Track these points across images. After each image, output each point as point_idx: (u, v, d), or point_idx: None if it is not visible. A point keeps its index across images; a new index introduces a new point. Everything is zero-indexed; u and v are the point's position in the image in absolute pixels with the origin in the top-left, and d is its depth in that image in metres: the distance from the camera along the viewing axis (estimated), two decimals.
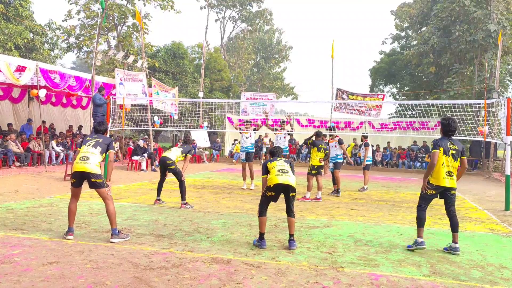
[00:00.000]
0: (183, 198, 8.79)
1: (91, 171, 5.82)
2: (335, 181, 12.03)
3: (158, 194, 9.13)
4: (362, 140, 13.64)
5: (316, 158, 10.68)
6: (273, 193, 5.94)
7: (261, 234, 5.89)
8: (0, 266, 4.59)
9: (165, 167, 8.94)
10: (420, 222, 6.20)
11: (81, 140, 6.09)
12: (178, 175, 8.88)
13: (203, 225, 7.05)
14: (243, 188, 12.43)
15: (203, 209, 8.69)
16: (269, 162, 6.15)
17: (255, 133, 13.20)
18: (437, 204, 10.68)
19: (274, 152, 6.45)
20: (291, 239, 5.88)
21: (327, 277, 4.64)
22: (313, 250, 5.75)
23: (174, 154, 9.04)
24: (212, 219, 7.65)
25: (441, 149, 6.17)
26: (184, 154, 9.19)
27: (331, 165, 12.22)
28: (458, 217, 6.42)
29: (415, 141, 25.22)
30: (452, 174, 6.13)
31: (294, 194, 6.00)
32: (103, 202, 6.01)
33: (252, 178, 12.58)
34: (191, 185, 12.72)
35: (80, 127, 21.34)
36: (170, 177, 9.25)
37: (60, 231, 6.22)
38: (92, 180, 5.83)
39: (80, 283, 4.16)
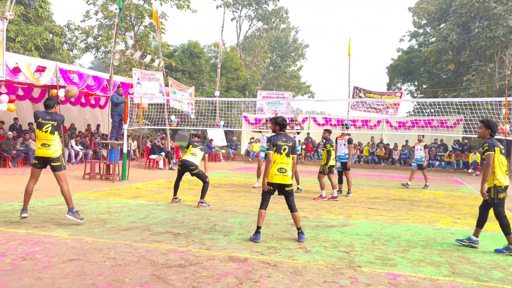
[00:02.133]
0: (202, 196, 8.83)
1: (51, 156, 6.43)
2: (340, 180, 11.72)
3: (175, 193, 9.19)
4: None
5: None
6: (271, 188, 6.21)
7: (257, 228, 6.05)
8: (21, 263, 4.68)
9: (187, 171, 8.92)
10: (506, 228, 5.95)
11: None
12: (202, 177, 8.88)
13: (220, 224, 7.08)
14: (254, 187, 12.45)
15: (220, 207, 8.72)
16: (275, 146, 6.16)
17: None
18: (457, 204, 10.56)
19: (283, 125, 6.38)
20: (299, 232, 6.16)
21: (344, 277, 4.62)
22: (330, 249, 5.72)
23: (198, 158, 9.02)
24: (229, 217, 7.68)
25: (497, 149, 6.02)
26: (203, 154, 9.23)
27: (338, 164, 11.68)
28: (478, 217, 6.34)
29: (435, 139, 24.89)
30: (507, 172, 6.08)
31: (290, 189, 6.22)
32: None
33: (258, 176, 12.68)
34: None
35: (98, 126, 21.62)
36: (186, 175, 9.29)
37: (79, 228, 6.32)
38: (52, 164, 6.45)
39: (99, 280, 4.22)
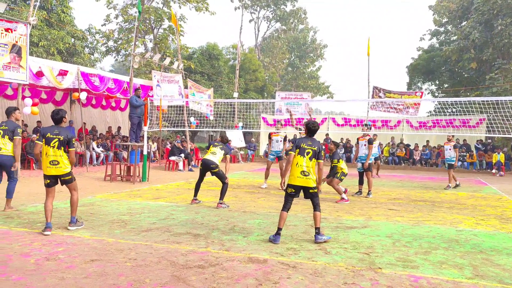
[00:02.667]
0: (221, 197, 8.86)
1: (62, 173, 6.27)
2: (361, 181, 11.67)
3: (195, 194, 9.24)
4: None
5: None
6: (293, 190, 6.25)
7: (278, 229, 6.10)
8: (45, 263, 4.77)
9: (208, 170, 8.95)
10: None
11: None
12: (222, 178, 8.91)
13: (239, 225, 7.09)
14: (262, 188, 12.50)
15: (239, 208, 8.74)
16: (299, 148, 6.22)
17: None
18: (480, 205, 10.35)
19: (312, 130, 6.44)
20: (316, 233, 6.12)
21: (364, 278, 4.57)
22: (350, 250, 5.68)
23: (218, 157, 9.03)
24: (248, 218, 7.69)
25: None
26: (224, 155, 9.24)
27: (359, 164, 11.65)
28: (502, 218, 6.21)
29: (457, 139, 24.45)
30: None
31: (314, 191, 6.23)
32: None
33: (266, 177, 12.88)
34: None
35: (119, 128, 21.90)
36: (207, 176, 9.34)
37: (101, 229, 6.41)
38: (62, 178, 6.31)
39: (120, 281, 4.27)
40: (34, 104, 13.65)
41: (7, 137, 7.66)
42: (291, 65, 51.44)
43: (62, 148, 6.19)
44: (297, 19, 47.61)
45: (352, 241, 6.20)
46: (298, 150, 6.22)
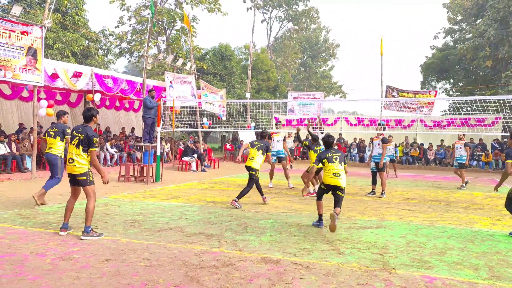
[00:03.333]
0: (239, 196, 8.92)
1: (76, 173, 6.11)
2: (374, 181, 11.57)
3: (261, 193, 9.41)
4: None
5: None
6: (325, 188, 7.22)
7: (319, 216, 7.18)
8: (60, 262, 4.83)
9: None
10: None
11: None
12: (250, 181, 9.12)
13: (252, 225, 7.10)
14: (269, 187, 12.53)
15: (252, 209, 8.74)
16: (326, 159, 7.14)
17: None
18: (496, 205, 10.21)
19: (329, 143, 7.48)
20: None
21: (378, 279, 4.54)
22: (363, 251, 5.64)
23: (258, 160, 9.19)
24: (260, 218, 7.69)
25: None
26: (264, 153, 9.35)
27: (372, 164, 11.51)
28: None
29: (471, 139, 24.16)
30: None
31: (341, 193, 7.09)
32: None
33: (287, 177, 12.70)
34: (240, 185, 12.84)
35: (132, 129, 22.08)
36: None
37: (115, 229, 6.47)
38: (77, 178, 6.12)
39: (134, 280, 4.31)
40: (49, 106, 13.85)
41: (58, 138, 8.36)
42: (303, 65, 51.34)
43: (81, 147, 6.02)
44: (309, 18, 47.48)
45: (366, 241, 6.17)
46: (325, 160, 7.13)
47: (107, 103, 21.13)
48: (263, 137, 9.82)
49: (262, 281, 4.36)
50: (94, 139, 6.05)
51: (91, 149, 6.07)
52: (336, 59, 51.93)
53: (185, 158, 17.65)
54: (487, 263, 5.25)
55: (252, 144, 9.39)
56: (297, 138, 11.84)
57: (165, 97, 17.57)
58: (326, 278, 4.53)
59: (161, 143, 14.52)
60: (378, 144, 11.37)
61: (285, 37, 47.63)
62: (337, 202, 7.00)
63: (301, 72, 51.29)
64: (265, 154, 9.41)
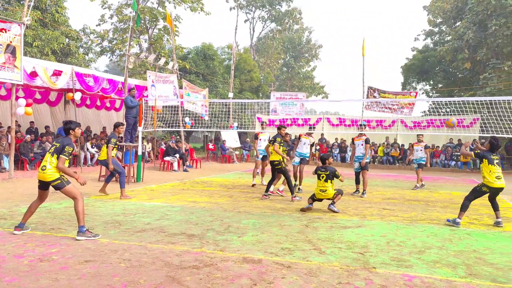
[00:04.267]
0: (291, 192, 10.09)
1: (47, 180, 5.98)
2: (357, 180, 11.68)
3: (267, 190, 10.31)
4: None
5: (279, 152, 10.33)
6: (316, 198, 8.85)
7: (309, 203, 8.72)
8: (39, 264, 4.75)
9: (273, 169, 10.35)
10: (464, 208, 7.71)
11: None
12: (284, 173, 10.21)
13: (234, 225, 7.10)
14: (252, 185, 12.85)
15: (234, 208, 8.74)
16: (318, 171, 8.82)
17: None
18: (473, 204, 10.40)
19: (323, 159, 8.98)
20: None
21: (359, 278, 4.59)
22: (344, 250, 5.69)
23: (276, 151, 10.04)
24: (242, 218, 7.69)
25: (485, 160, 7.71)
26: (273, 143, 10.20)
27: (356, 164, 11.64)
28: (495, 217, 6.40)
29: (451, 139, 24.59)
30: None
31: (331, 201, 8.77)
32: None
33: (262, 175, 13.41)
34: (222, 185, 12.82)
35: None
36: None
37: (95, 230, 6.38)
38: (52, 184, 5.99)
39: (115, 281, 4.26)
40: (27, 105, 13.60)
41: (105, 145, 10.04)
42: (286, 65, 51.53)
43: (56, 155, 5.99)
44: (292, 19, 47.69)
45: (347, 240, 6.22)
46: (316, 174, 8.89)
47: (88, 102, 20.86)
48: (324, 161, 9.35)
49: (244, 281, 4.37)
50: (67, 147, 5.99)
51: (61, 155, 5.96)
52: (318, 59, 52.30)
53: (167, 158, 17.54)
54: (465, 261, 5.35)
55: (318, 176, 9.08)
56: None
57: (147, 96, 17.43)
58: (307, 277, 4.55)
59: (142, 143, 14.40)
60: (362, 145, 11.52)
61: (268, 37, 47.75)
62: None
63: (284, 72, 51.47)
64: (273, 144, 10.22)
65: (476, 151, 7.94)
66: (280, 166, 10.05)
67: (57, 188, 5.97)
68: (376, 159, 24.50)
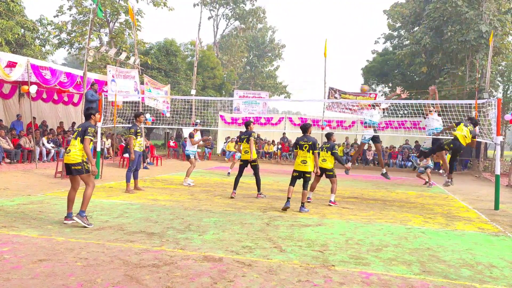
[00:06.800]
0: (258, 189, 10.37)
1: (70, 162, 6.46)
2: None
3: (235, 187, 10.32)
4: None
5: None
6: (295, 174, 8.69)
7: (288, 198, 8.65)
8: None
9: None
10: None
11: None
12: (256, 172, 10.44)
13: (195, 223, 7.04)
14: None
15: (195, 207, 8.67)
16: (300, 142, 8.69)
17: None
18: (428, 203, 10.79)
19: (303, 128, 8.86)
20: (301, 206, 8.62)
21: (318, 276, 4.66)
22: (304, 248, 5.76)
23: (252, 151, 10.12)
24: (203, 217, 7.65)
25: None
26: (249, 141, 10.25)
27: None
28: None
29: (407, 140, 25.35)
30: None
31: (309, 175, 8.60)
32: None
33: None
34: (183, 183, 12.69)
35: (73, 124, 21.18)
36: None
37: (50, 228, 6.18)
38: (72, 168, 6.48)
39: (70, 281, 4.14)
40: None
41: (133, 136, 10.40)
42: (249, 64, 51.60)
43: (79, 138, 6.47)
44: (256, 18, 47.75)
45: (307, 239, 6.30)
46: (298, 146, 8.70)
47: (44, 95, 20.12)
48: (306, 130, 8.97)
49: (204, 280, 4.34)
50: (89, 128, 6.48)
51: (85, 136, 6.43)
52: (281, 59, 52.68)
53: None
54: (419, 258, 5.53)
55: (300, 146, 8.74)
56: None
57: (107, 91, 16.99)
58: (267, 275, 4.58)
59: (101, 139, 14.05)
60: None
61: (232, 35, 47.64)
62: (305, 185, 8.61)
63: (247, 71, 51.53)
64: (250, 139, 10.19)
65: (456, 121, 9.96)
66: (255, 163, 10.22)
67: (76, 172, 6.44)
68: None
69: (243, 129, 11.24)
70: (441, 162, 12.02)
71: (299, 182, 8.91)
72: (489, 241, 6.75)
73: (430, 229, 7.47)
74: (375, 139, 12.52)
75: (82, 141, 6.45)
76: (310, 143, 8.53)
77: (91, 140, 6.47)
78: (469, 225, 8.00)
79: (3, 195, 8.91)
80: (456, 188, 14.56)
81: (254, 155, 10.14)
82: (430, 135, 12.72)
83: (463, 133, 10.01)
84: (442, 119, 12.92)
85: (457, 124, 10.54)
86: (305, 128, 8.85)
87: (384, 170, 12.74)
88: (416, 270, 5.02)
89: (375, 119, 12.28)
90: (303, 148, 8.58)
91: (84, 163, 6.48)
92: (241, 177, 10.53)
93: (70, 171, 6.49)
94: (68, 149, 6.51)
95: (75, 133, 6.54)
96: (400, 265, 5.21)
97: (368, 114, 12.46)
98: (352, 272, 4.85)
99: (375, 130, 12.32)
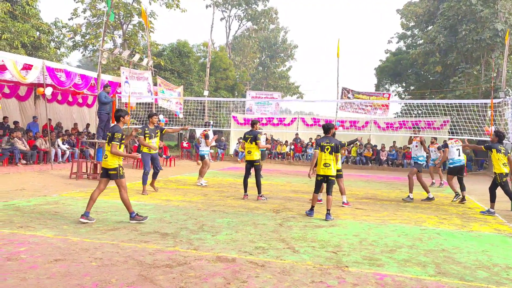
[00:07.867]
0: (259, 191, 10.10)
1: (107, 167, 6.86)
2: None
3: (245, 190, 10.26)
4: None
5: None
6: (320, 178, 8.16)
7: (311, 207, 8.30)
8: (6, 263, 4.61)
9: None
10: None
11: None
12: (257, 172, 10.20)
13: (208, 224, 7.06)
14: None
15: (208, 207, 8.70)
16: (322, 143, 8.11)
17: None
18: (443, 204, 10.67)
19: (325, 129, 8.40)
20: (327, 213, 7.95)
21: (331, 277, 4.64)
22: (318, 249, 5.74)
23: (255, 152, 10.02)
24: (217, 217, 7.66)
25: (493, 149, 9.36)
26: (255, 142, 10.03)
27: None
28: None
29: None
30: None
31: (333, 179, 8.09)
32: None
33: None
34: (196, 183, 12.73)
35: (87, 125, 21.42)
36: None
37: (65, 228, 6.26)
38: (109, 172, 6.87)
39: (85, 281, 4.18)
40: None
41: (147, 138, 10.35)
42: (261, 65, 51.59)
43: (112, 143, 6.78)
44: (268, 18, 47.71)
45: (320, 239, 6.28)
46: (320, 148, 8.08)
47: (59, 97, 20.36)
48: (328, 130, 8.48)
49: (217, 280, 4.35)
50: (116, 134, 6.76)
51: (112, 142, 6.73)
52: (294, 60, 52.55)
53: (139, 155, 17.26)
54: (434, 260, 5.47)
55: (322, 148, 8.14)
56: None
57: (120, 93, 17.15)
58: (281, 276, 4.57)
59: None
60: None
61: (244, 36, 47.65)
62: (328, 190, 8.07)
63: (259, 71, 51.51)
64: (256, 142, 10.01)
65: (486, 144, 9.59)
66: (257, 164, 10.09)
67: (112, 177, 6.83)
68: (350, 160, 24.83)
69: None
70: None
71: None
72: (505, 243, 6.66)
73: (445, 230, 7.39)
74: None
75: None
76: (333, 144, 8.01)
77: (118, 145, 6.74)
78: (485, 226, 7.89)
79: (20, 196, 9.04)
80: (472, 188, 14.39)
81: (255, 157, 9.99)
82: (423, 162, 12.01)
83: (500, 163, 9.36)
84: (456, 119, 12.72)
85: (487, 148, 9.62)
86: (327, 128, 8.34)
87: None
88: (431, 272, 4.97)
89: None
90: (325, 150, 7.99)
91: (120, 168, 6.86)
92: (250, 177, 10.45)
93: (108, 174, 6.88)
94: (105, 154, 6.88)
95: (107, 138, 6.89)
96: (415, 266, 5.16)
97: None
98: (366, 273, 4.81)
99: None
